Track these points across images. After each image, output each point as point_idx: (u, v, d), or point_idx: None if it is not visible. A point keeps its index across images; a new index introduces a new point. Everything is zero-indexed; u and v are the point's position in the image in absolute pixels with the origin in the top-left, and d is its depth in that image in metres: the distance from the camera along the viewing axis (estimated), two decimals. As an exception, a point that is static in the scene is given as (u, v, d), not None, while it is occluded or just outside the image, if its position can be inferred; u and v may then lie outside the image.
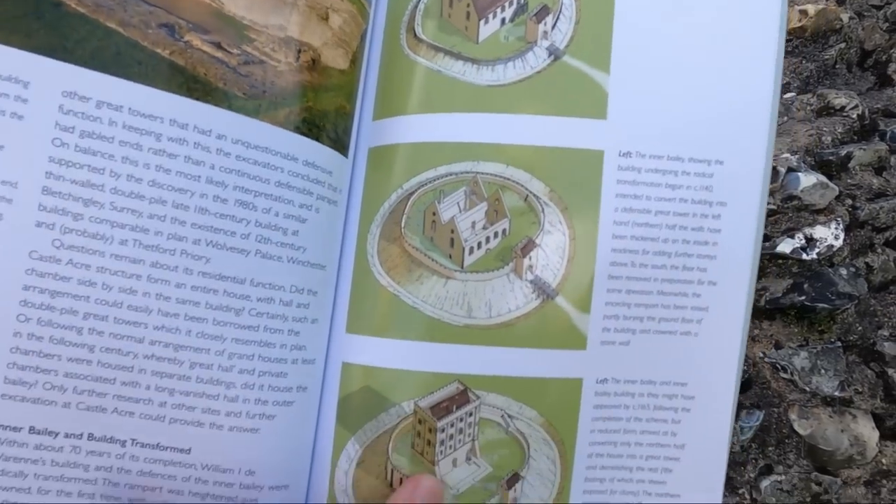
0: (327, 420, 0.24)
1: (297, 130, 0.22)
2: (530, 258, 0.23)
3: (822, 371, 0.34)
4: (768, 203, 0.34)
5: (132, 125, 0.20)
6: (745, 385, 0.34)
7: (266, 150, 0.22)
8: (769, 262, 0.35)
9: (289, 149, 0.22)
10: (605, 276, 0.23)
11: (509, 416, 0.23)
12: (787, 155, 0.36)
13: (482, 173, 0.23)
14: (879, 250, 0.37)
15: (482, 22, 0.24)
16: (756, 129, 0.23)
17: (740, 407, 0.34)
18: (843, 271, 0.35)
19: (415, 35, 0.25)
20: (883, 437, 0.35)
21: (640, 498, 0.24)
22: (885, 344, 0.35)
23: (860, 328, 0.36)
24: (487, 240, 0.23)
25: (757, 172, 0.23)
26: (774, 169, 0.34)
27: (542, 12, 0.24)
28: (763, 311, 0.35)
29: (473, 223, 0.23)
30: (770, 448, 0.34)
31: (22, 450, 0.20)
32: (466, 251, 0.23)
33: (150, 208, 0.20)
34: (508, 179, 0.23)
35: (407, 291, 0.23)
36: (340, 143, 0.24)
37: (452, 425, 0.23)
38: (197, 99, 0.21)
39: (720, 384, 0.24)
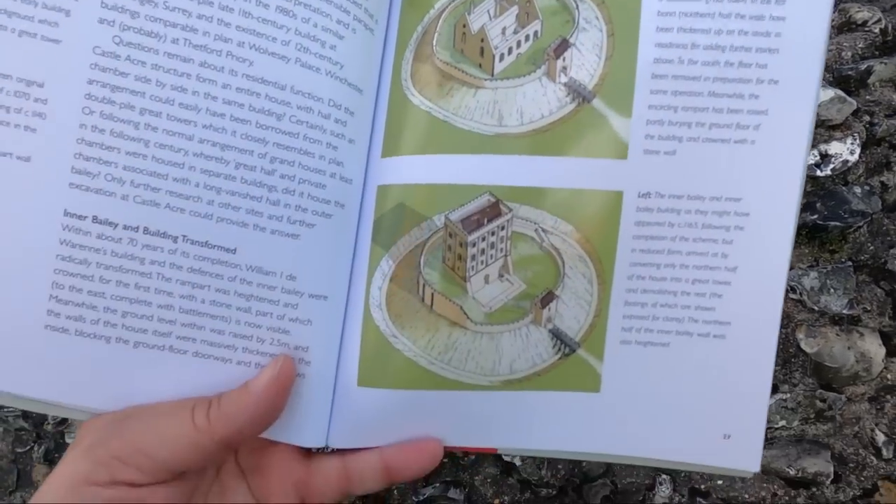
0: (364, 240, 0.24)
1: (335, -54, 0.22)
2: (564, 59, 0.22)
3: (832, 290, 0.33)
4: None
5: (183, -72, 0.21)
6: None
7: (305, -40, 0.22)
8: None
9: (326, -38, 0.22)
10: (647, 75, 0.21)
11: (543, 231, 0.22)
12: None
13: None
14: (895, 168, 0.35)
15: None
16: None
17: None
18: (858, 189, 0.33)
19: None
20: (889, 353, 0.34)
21: (685, 325, 0.22)
22: None
23: (872, 247, 0.34)
24: (518, 44, 0.22)
25: None
26: None
27: None
28: None
29: (504, 29, 0.22)
30: (776, 368, 0.33)
31: (86, 238, 0.21)
32: (497, 58, 0.22)
33: (199, 9, 0.21)
34: None
35: (438, 106, 0.23)
36: (378, -30, 0.24)
37: (484, 239, 0.22)
38: None
39: (780, 200, 0.21)
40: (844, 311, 0.33)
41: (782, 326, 0.33)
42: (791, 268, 0.32)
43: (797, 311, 0.34)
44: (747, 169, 0.21)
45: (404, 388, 0.23)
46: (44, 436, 0.41)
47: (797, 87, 0.21)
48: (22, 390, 0.21)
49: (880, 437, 0.35)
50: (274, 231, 0.22)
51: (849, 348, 0.33)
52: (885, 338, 0.34)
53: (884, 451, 0.35)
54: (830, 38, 0.38)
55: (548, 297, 0.22)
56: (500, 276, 0.22)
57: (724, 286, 0.22)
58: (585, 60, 0.21)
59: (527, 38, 0.22)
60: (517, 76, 0.22)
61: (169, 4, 0.21)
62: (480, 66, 0.22)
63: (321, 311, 0.23)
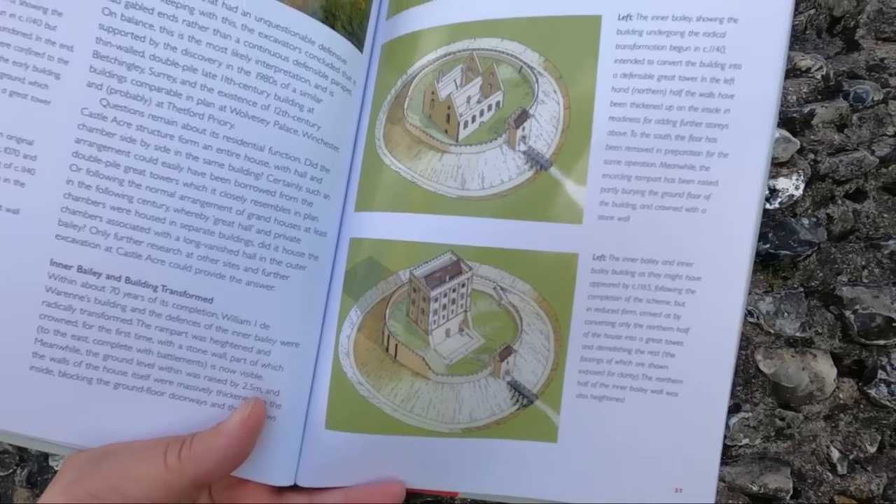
0: (335, 290, 0.23)
1: (315, 16, 0.22)
2: (523, 128, 0.21)
3: (786, 314, 0.33)
4: None
5: (169, -2, 0.21)
6: None
7: (285, 30, 0.22)
8: None
9: (306, 31, 0.22)
10: (602, 146, 0.21)
11: (502, 289, 0.21)
12: None
13: (478, 49, 0.22)
14: (839, 202, 0.36)
15: None
16: None
17: None
18: (805, 221, 0.34)
19: None
20: (840, 374, 0.35)
21: (639, 382, 0.21)
22: (844, 289, 0.34)
23: (821, 274, 0.35)
24: (482, 113, 0.22)
25: (778, 28, 0.20)
26: None
27: None
28: None
29: (469, 98, 0.22)
30: (738, 388, 0.34)
31: (71, 286, 0.21)
32: (461, 125, 0.22)
33: (183, 75, 0.21)
34: (503, 53, 0.22)
35: (407, 168, 0.22)
36: (356, 38, 0.24)
37: (445, 295, 0.22)
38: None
39: (730, 265, 0.21)
40: (798, 334, 0.34)
41: (742, 348, 0.34)
42: (749, 293, 0.32)
43: (755, 334, 0.34)
44: (699, 236, 0.21)
45: (369, 433, 0.22)
46: (28, 459, 0.40)
47: (746, 161, 0.20)
48: (6, 425, 0.21)
49: (835, 454, 0.35)
50: (249, 282, 0.22)
51: (803, 369, 0.34)
52: (836, 359, 0.34)
53: (839, 468, 0.35)
54: None
55: (506, 352, 0.22)
56: (461, 330, 0.22)
57: (677, 346, 0.21)
58: (543, 131, 0.21)
59: (489, 107, 0.22)
60: (480, 143, 0.22)
61: (155, 70, 0.21)
62: (446, 131, 0.22)
63: (293, 358, 0.23)
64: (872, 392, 0.34)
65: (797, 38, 0.42)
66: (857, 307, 0.33)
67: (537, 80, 0.21)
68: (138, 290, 0.21)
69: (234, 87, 0.21)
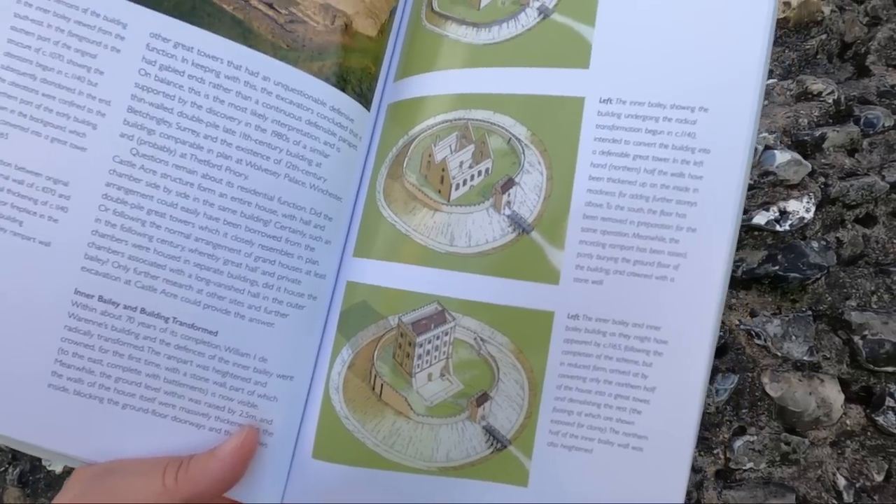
0: (331, 328, 0.24)
1: (327, 81, 0.24)
2: (509, 195, 0.23)
3: (793, 337, 0.32)
4: None
5: (198, 63, 0.22)
6: (721, 350, 0.32)
7: (300, 93, 0.23)
8: (745, 235, 0.33)
9: (319, 94, 0.24)
10: (580, 214, 0.22)
11: (482, 340, 0.22)
12: (765, 134, 0.34)
13: (472, 119, 0.23)
14: (849, 226, 0.35)
15: None
16: (745, 76, 0.21)
17: (716, 371, 0.31)
18: (815, 244, 0.33)
19: (432, 8, 0.26)
20: (848, 399, 0.33)
21: (607, 435, 0.22)
22: (852, 313, 0.33)
23: (829, 298, 0.34)
24: (472, 177, 0.23)
25: (744, 120, 0.21)
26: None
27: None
28: (740, 281, 0.33)
29: (461, 163, 0.23)
30: (744, 410, 0.33)
31: (91, 314, 0.22)
32: (453, 187, 0.23)
33: (206, 130, 0.22)
34: (495, 125, 0.23)
35: (402, 221, 0.24)
36: (364, 98, 0.25)
37: (430, 342, 0.22)
38: (250, 46, 0.23)
39: (695, 332, 0.21)
40: (805, 358, 0.33)
41: (749, 370, 0.33)
42: (755, 315, 0.32)
43: (762, 356, 0.33)
44: (667, 302, 0.21)
45: (352, 465, 0.23)
46: (20, 458, 0.41)
47: (713, 236, 0.21)
48: (23, 436, 0.22)
49: (841, 482, 0.34)
50: (252, 319, 0.23)
51: (810, 393, 0.33)
52: (844, 385, 0.33)
53: (845, 496, 0.33)
54: (790, 105, 0.38)
55: (482, 398, 0.22)
56: (442, 375, 0.23)
57: (643, 404, 0.22)
58: (527, 198, 0.22)
59: (479, 173, 0.23)
60: (469, 205, 0.23)
61: (181, 125, 0.22)
62: (440, 191, 0.24)
63: (287, 390, 0.24)
64: (880, 419, 0.33)
65: (808, 62, 0.41)
66: (866, 332, 0.32)
67: (524, 151, 0.23)
68: (151, 321, 0.22)
69: (251, 143, 0.23)
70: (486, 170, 0.23)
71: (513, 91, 0.23)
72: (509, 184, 0.22)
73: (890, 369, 0.32)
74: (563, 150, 0.22)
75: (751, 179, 0.32)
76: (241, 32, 0.23)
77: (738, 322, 0.31)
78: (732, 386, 0.31)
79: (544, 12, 0.23)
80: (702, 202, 0.21)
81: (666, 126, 0.21)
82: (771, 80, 0.39)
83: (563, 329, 0.22)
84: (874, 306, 0.33)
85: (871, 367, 0.32)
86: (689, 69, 0.21)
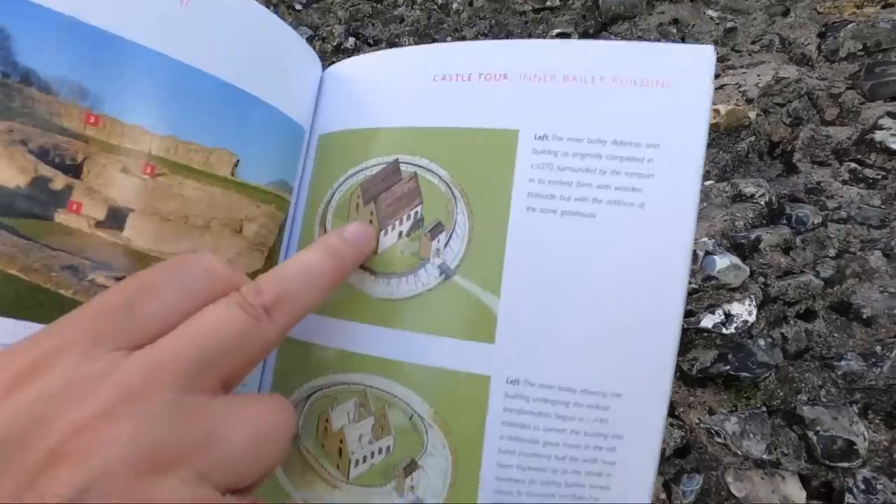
0: None
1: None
2: (412, 478, 0.20)
3: (751, 435, 0.32)
4: (690, 283, 0.33)
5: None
6: (684, 450, 0.32)
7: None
8: (696, 335, 0.34)
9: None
10: (490, 491, 0.19)
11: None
12: (705, 239, 0.36)
13: (371, 387, 0.21)
14: (792, 322, 0.36)
15: (382, 233, 0.22)
16: (658, 363, 0.19)
17: (680, 472, 0.32)
18: (762, 342, 0.34)
19: (325, 231, 0.23)
20: (810, 496, 0.32)
21: None
22: (804, 408, 0.33)
23: (781, 393, 0.34)
24: (373, 454, 0.21)
25: (657, 407, 0.19)
26: (694, 252, 0.34)
27: (436, 229, 0.21)
28: (696, 380, 0.34)
29: (360, 436, 0.21)
30: None
31: None
32: (352, 463, 0.21)
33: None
34: (395, 397, 0.20)
35: (299, 493, 0.21)
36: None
37: None
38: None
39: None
40: (764, 456, 0.32)
41: (713, 469, 0.33)
42: (713, 413, 0.33)
43: (724, 455, 0.33)
44: None
45: None
46: None
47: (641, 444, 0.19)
48: None
49: None
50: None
51: (773, 492, 0.32)
52: (805, 481, 0.32)
53: None
54: (727, 206, 0.40)
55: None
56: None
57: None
58: (431, 483, 0.20)
59: (380, 450, 0.21)
60: (369, 485, 0.20)
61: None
62: (338, 466, 0.21)
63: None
64: (843, 517, 0.32)
65: (741, 162, 0.45)
66: (819, 428, 0.32)
67: (427, 431, 0.20)
68: None
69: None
70: (388, 448, 0.20)
71: (414, 360, 0.20)
72: (412, 466, 0.20)
73: (845, 465, 0.31)
74: (468, 435, 0.19)
75: (695, 283, 0.34)
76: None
77: (697, 420, 0.32)
78: (698, 487, 0.31)
79: (446, 272, 0.21)
80: (615, 487, 0.19)
81: (577, 411, 0.19)
82: (708, 182, 0.42)
83: None
84: (823, 400, 0.33)
85: (828, 462, 0.32)
86: (600, 352, 0.19)
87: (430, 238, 0.21)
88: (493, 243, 0.21)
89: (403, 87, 0.23)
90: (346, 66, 0.25)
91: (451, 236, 0.21)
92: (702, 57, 0.20)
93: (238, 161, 0.21)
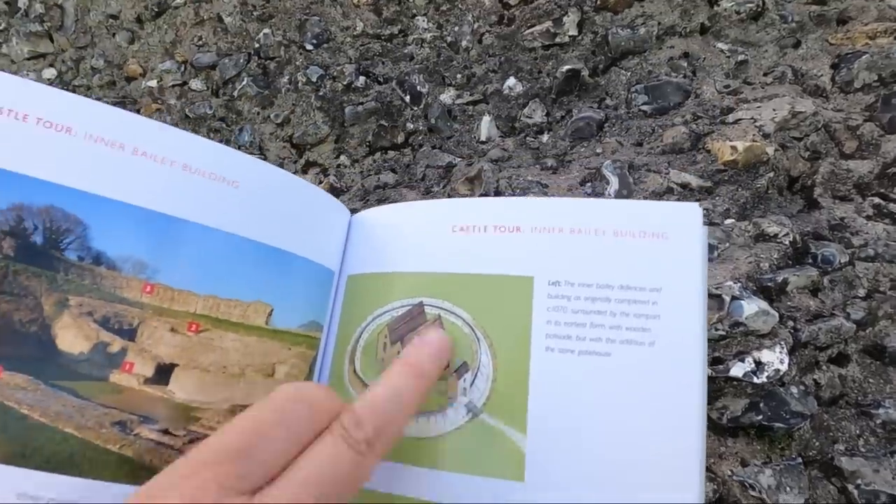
0: None
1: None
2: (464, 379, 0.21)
3: (788, 488, 0.30)
4: (717, 329, 0.32)
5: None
6: None
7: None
8: (725, 384, 0.32)
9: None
10: None
11: None
12: (731, 283, 0.34)
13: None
14: (824, 367, 0.34)
15: None
16: (681, 498, 0.19)
17: None
18: (794, 390, 0.32)
19: (354, 370, 0.24)
20: None
21: None
22: (843, 459, 0.30)
23: (817, 443, 0.31)
24: None
25: None
26: (720, 297, 0.33)
27: (462, 368, 0.22)
28: (726, 430, 0.32)
29: None
30: None
31: None
32: None
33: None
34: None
35: None
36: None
37: None
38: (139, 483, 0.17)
39: None
40: None
41: None
42: (746, 464, 0.31)
43: None
44: None
45: None
46: None
47: None
48: None
49: None
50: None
51: None
52: None
53: None
54: (750, 246, 0.39)
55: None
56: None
57: None
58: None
59: None
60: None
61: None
62: None
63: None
64: (891, 577, 0.29)
65: (761, 198, 0.43)
66: (860, 482, 0.30)
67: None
68: None
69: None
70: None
71: (447, 500, 0.20)
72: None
73: (888, 523, 0.29)
74: None
75: (722, 329, 0.33)
76: (130, 470, 0.19)
77: (730, 473, 0.30)
78: (737, 547, 0.30)
79: (473, 411, 0.21)
80: None
81: None
82: (729, 221, 0.40)
83: None
84: (862, 450, 0.31)
85: (870, 519, 0.29)
86: (628, 488, 0.19)
87: (457, 377, 0.22)
88: (516, 382, 0.21)
89: (426, 235, 0.25)
90: (372, 214, 0.27)
91: (476, 375, 0.22)
92: (690, 212, 0.22)
93: (272, 310, 0.23)
